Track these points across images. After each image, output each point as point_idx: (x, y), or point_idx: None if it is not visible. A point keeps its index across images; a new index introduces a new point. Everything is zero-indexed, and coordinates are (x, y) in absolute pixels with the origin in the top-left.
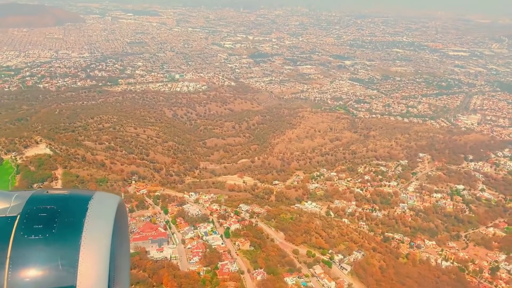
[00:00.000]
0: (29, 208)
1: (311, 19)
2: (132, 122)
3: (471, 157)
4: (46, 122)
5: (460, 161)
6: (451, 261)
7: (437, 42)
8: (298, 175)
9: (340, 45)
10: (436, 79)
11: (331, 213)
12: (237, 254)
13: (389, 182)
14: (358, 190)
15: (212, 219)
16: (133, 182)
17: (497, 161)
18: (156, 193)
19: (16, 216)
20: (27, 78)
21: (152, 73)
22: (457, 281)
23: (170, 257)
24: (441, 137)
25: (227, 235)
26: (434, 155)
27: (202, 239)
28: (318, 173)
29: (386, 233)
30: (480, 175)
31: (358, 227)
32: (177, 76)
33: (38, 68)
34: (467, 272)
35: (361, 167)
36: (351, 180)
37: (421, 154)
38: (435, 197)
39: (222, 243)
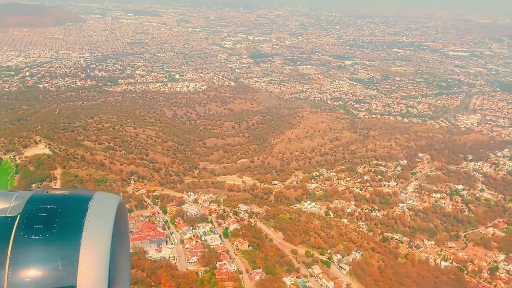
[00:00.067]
0: (29, 208)
1: (311, 19)
2: (132, 122)
3: (470, 157)
4: (45, 122)
5: (460, 161)
6: (450, 261)
7: (437, 42)
8: (298, 175)
9: (340, 45)
10: (436, 79)
11: (330, 213)
12: (236, 254)
13: (388, 182)
14: (358, 190)
15: (211, 219)
16: (132, 182)
17: (496, 161)
18: (155, 193)
19: (16, 216)
20: (27, 78)
21: (152, 73)
22: (456, 281)
23: (169, 257)
24: (440, 137)
25: (226, 235)
26: (433, 155)
27: (200, 239)
28: (317, 173)
29: (385, 233)
30: (480, 175)
31: (357, 227)
32: (177, 76)
33: (38, 68)
34: (466, 272)
35: (360, 167)
36: (350, 180)
37: (420, 154)
38: (434, 197)
39: (221, 243)
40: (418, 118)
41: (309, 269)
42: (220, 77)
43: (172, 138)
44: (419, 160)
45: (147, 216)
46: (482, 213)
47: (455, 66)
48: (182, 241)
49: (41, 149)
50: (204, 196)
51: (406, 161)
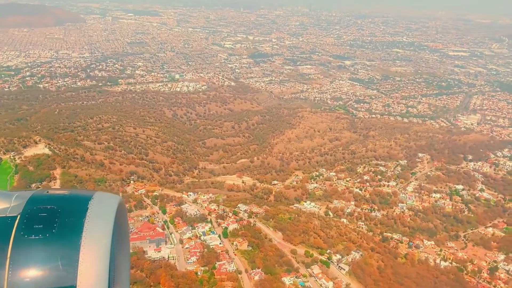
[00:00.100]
0: (29, 208)
1: (311, 19)
2: (132, 122)
3: (470, 157)
4: (45, 122)
5: (460, 161)
6: (450, 261)
7: (437, 42)
8: (297, 175)
9: (340, 45)
10: (436, 79)
11: (330, 213)
12: (235, 254)
13: (388, 182)
14: (357, 190)
15: (210, 219)
16: (132, 182)
17: (496, 161)
18: (155, 193)
19: (16, 216)
20: (27, 78)
21: (152, 73)
22: (456, 281)
23: (168, 257)
24: (440, 137)
25: (225, 235)
26: (433, 155)
27: (200, 239)
28: (317, 173)
29: (384, 233)
30: (480, 175)
31: (357, 227)
32: (177, 76)
33: (38, 68)
34: (465, 272)
35: (360, 167)
36: (350, 180)
37: (420, 154)
38: (434, 197)
39: (220, 243)
40: (418, 118)
41: (309, 269)
42: (220, 77)
43: (172, 138)
44: (419, 160)
45: (147, 216)
46: (481, 213)
47: (455, 66)
48: (181, 241)
49: (41, 149)
50: (204, 196)
51: (406, 161)
